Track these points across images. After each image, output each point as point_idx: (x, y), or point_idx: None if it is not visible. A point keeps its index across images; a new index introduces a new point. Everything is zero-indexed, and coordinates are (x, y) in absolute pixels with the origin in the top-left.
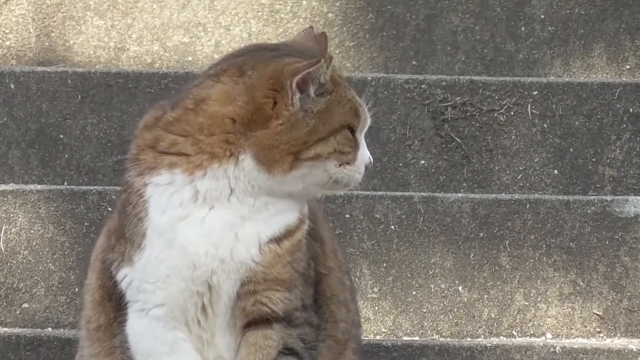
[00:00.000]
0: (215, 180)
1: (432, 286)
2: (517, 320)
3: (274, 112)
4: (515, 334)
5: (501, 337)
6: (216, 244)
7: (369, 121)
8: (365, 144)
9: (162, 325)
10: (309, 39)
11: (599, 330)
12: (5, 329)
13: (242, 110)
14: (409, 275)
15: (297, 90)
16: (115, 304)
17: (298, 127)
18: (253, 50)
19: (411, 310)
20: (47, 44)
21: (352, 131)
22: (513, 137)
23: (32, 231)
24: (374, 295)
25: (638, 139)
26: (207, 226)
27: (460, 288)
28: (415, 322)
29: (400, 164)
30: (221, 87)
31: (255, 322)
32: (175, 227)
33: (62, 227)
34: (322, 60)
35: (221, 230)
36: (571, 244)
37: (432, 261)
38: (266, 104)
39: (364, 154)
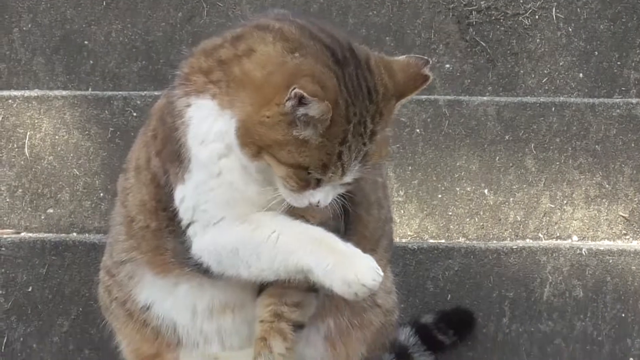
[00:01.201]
0: (228, 122)
1: (458, 189)
2: (543, 223)
3: (269, 101)
4: (541, 236)
5: (527, 240)
6: (261, 185)
7: (345, 179)
8: (328, 190)
9: (228, 226)
10: (404, 69)
11: (624, 232)
12: (31, 234)
13: (261, 83)
14: (435, 179)
15: (295, 98)
16: (169, 214)
17: (274, 131)
18: (320, 43)
19: (437, 213)
20: None
21: (312, 175)
22: (538, 40)
23: (56, 137)
24: (400, 199)
25: None
26: (250, 171)
27: (485, 191)
28: (441, 225)
29: None
30: (268, 50)
31: None
32: (219, 163)
33: (86, 132)
34: (327, 103)
35: (259, 175)
36: (596, 146)
37: (458, 164)
38: (274, 90)
39: (314, 197)
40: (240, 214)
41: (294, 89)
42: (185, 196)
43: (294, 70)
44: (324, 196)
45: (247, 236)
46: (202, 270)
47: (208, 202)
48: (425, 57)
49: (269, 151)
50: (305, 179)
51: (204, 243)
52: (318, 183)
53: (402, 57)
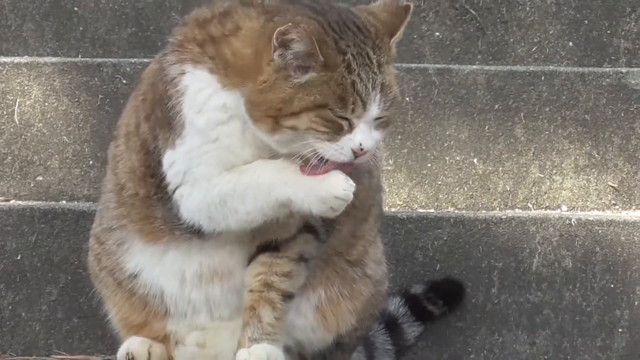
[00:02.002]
0: (237, 102)
1: (447, 158)
2: (533, 193)
3: (262, 67)
4: (530, 206)
5: (516, 210)
6: (259, 149)
7: (372, 112)
8: (365, 130)
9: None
10: (385, 10)
11: (614, 202)
12: (20, 202)
13: (251, 57)
14: (424, 148)
15: (280, 47)
16: (157, 180)
17: (275, 91)
18: (298, 4)
19: (426, 182)
20: None
21: (335, 112)
22: (528, 8)
23: (46, 104)
24: (389, 168)
25: None
26: (247, 135)
27: (475, 160)
28: (430, 194)
29: (415, 36)
30: (252, 26)
31: None
32: (217, 129)
33: (76, 99)
34: (300, 24)
35: (258, 140)
36: (586, 116)
37: (447, 133)
38: (262, 55)
39: (354, 139)
40: (230, 169)
41: (275, 35)
42: (175, 160)
43: (273, 29)
44: (363, 137)
45: (232, 184)
46: (194, 232)
47: (201, 164)
48: None
49: (283, 115)
50: (331, 119)
51: (194, 203)
52: (350, 126)
53: (377, 2)
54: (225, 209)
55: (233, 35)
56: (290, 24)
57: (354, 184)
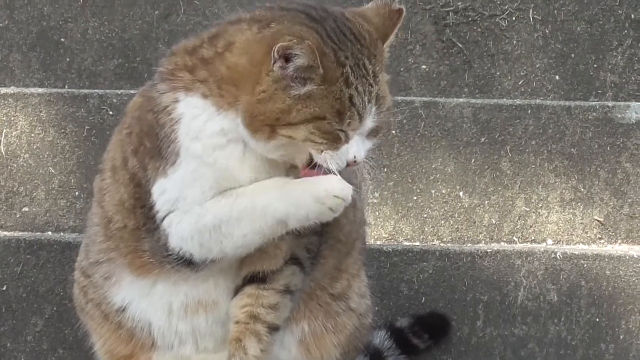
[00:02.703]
0: (233, 123)
1: (433, 191)
2: (518, 226)
3: (261, 76)
4: (516, 239)
5: (502, 243)
6: (257, 172)
7: (367, 125)
8: (358, 141)
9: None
10: (377, 13)
11: (599, 236)
12: (6, 233)
13: (248, 67)
14: (410, 181)
15: (280, 59)
16: (146, 211)
17: (275, 101)
18: (293, 11)
19: (412, 215)
20: None
21: (332, 125)
22: (514, 42)
23: (32, 134)
24: (375, 201)
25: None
26: (247, 158)
27: (461, 193)
28: (416, 227)
29: (402, 69)
30: (246, 37)
31: None
32: (214, 154)
33: (62, 130)
34: (305, 40)
35: (259, 162)
36: (572, 149)
37: (433, 166)
38: (260, 64)
39: (349, 151)
40: (224, 192)
41: (276, 48)
42: (167, 189)
43: (272, 37)
44: (356, 148)
45: (227, 209)
46: (184, 263)
47: (195, 187)
48: None
49: (280, 124)
50: (328, 130)
51: (184, 229)
52: (346, 137)
53: (369, 5)
54: (220, 234)
55: (227, 50)
56: (294, 39)
57: (350, 185)
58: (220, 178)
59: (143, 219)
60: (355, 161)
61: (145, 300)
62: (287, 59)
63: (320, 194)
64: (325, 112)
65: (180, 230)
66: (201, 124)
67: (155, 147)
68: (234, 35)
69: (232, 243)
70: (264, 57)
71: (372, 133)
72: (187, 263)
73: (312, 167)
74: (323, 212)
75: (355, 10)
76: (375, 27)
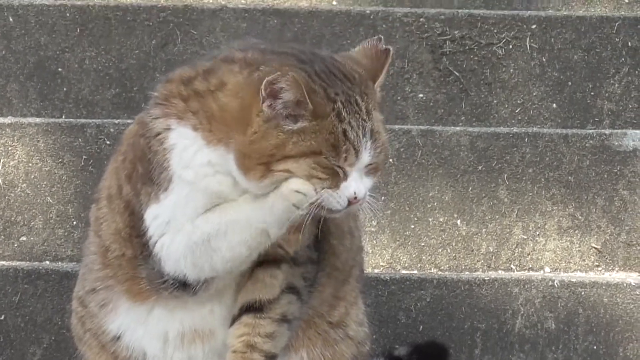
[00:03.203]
0: (222, 158)
1: (431, 220)
2: (516, 254)
3: (252, 118)
4: (513, 267)
5: (499, 271)
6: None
7: (364, 160)
8: (357, 178)
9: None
10: (365, 55)
11: (597, 264)
12: (3, 262)
13: (239, 109)
14: (407, 209)
15: (269, 98)
16: (142, 239)
17: (268, 138)
18: (283, 54)
19: (409, 243)
20: None
21: (329, 160)
22: (511, 70)
23: (30, 164)
24: (372, 229)
25: (636, 72)
26: (238, 185)
27: (458, 222)
28: (414, 255)
29: (399, 97)
30: (237, 80)
31: (266, 261)
32: (205, 180)
33: (60, 160)
34: (288, 73)
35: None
36: (569, 177)
37: (431, 194)
38: (250, 107)
39: (349, 188)
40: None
41: (263, 85)
42: (159, 214)
43: (259, 79)
44: (356, 185)
45: (215, 222)
46: (180, 286)
47: (187, 208)
48: (376, 37)
49: (275, 160)
50: (327, 166)
51: (177, 249)
52: (344, 174)
53: (356, 48)
54: (209, 248)
55: (219, 90)
56: (278, 72)
57: (310, 183)
58: (214, 198)
59: (139, 247)
60: (356, 197)
61: (141, 327)
62: (275, 96)
63: (284, 192)
64: (321, 146)
65: (173, 251)
66: (191, 154)
67: (147, 172)
68: (226, 76)
69: (221, 257)
70: (252, 98)
71: (371, 171)
72: (183, 286)
73: None
74: (289, 208)
75: (344, 53)
76: (365, 68)
